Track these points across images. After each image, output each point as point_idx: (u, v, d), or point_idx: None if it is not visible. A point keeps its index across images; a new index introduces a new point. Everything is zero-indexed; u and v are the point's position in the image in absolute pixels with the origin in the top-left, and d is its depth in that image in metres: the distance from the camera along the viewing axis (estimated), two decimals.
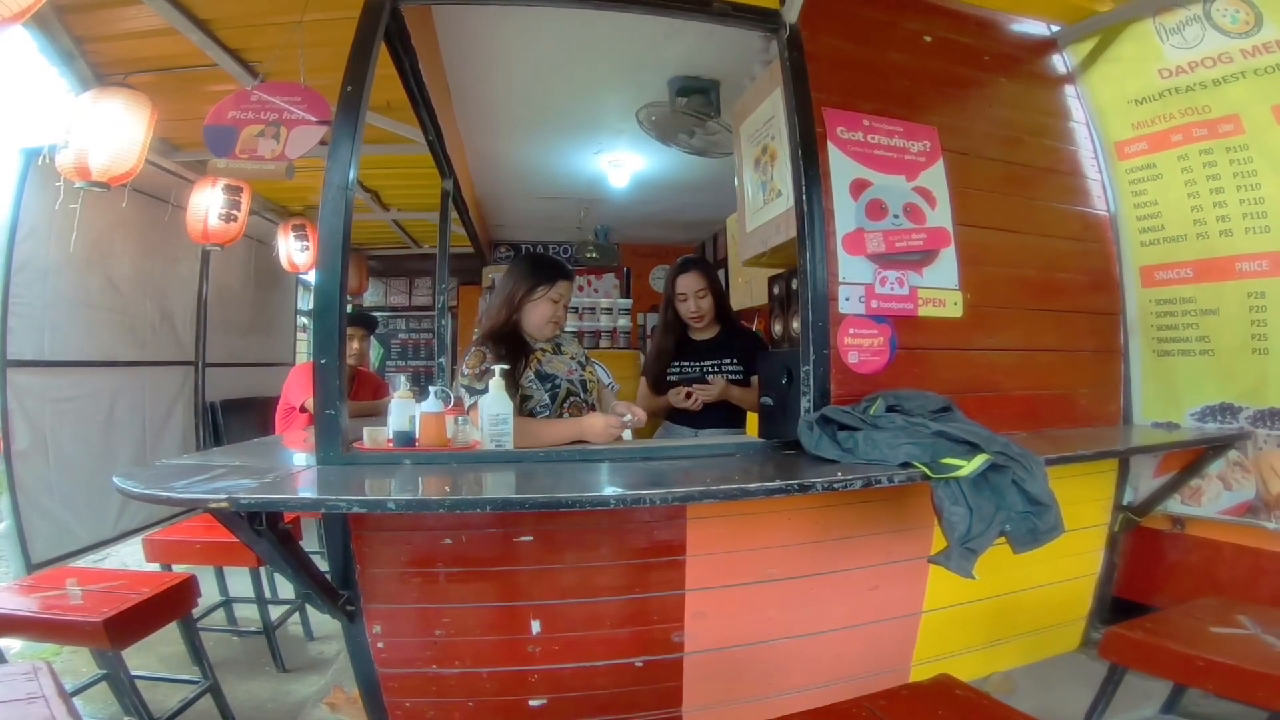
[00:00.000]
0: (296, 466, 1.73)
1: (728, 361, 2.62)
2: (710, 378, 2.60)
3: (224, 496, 1.24)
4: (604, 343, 4.93)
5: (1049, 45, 2.73)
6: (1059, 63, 2.75)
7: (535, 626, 1.90)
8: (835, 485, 1.58)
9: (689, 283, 2.64)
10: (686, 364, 2.68)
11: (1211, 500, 2.47)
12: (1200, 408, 2.51)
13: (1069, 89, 2.74)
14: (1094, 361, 2.65)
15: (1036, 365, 2.49)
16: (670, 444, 2.23)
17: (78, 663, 2.49)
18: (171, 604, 2.09)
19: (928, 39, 2.43)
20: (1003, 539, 1.69)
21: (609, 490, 1.41)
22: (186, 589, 2.15)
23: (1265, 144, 2.33)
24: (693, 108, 3.21)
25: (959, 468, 1.62)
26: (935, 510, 1.67)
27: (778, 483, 1.54)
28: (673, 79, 3.24)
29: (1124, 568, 2.66)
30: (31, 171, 3.21)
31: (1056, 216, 2.61)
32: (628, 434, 2.33)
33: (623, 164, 4.46)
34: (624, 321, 5.04)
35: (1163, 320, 2.63)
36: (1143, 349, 2.68)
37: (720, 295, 2.68)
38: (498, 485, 1.58)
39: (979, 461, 1.63)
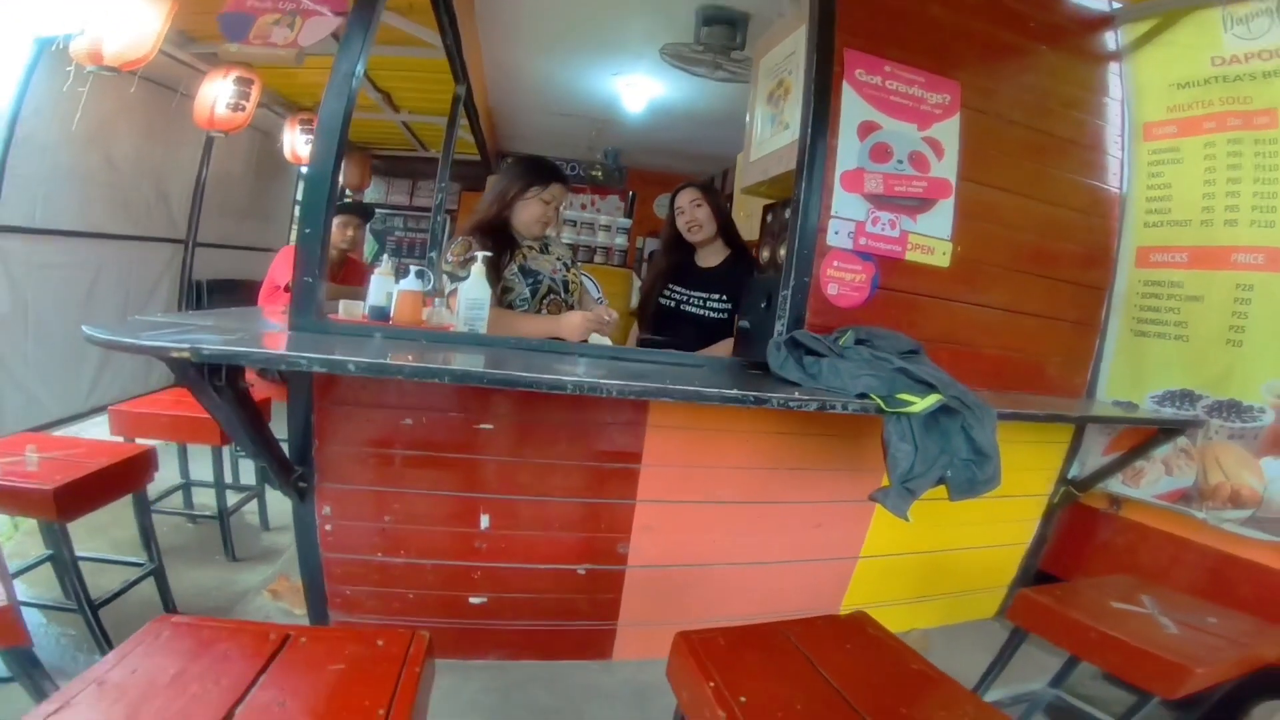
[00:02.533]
0: (267, 330, 1.74)
1: (716, 297, 2.57)
2: (686, 309, 2.59)
3: (186, 346, 1.25)
4: (599, 258, 4.92)
5: (1104, 21, 2.65)
6: (1109, 39, 2.67)
7: (484, 521, 1.93)
8: (790, 404, 1.60)
9: (685, 196, 2.61)
10: (678, 290, 2.65)
11: (1150, 483, 2.50)
12: (1162, 391, 2.53)
13: (1111, 66, 2.67)
14: (1071, 332, 2.66)
15: (1014, 327, 2.49)
16: (643, 350, 2.26)
17: (29, 546, 2.39)
18: (126, 476, 1.99)
19: None
20: (940, 488, 1.72)
21: (568, 376, 1.43)
22: (143, 460, 2.05)
23: None
24: (716, 39, 3.12)
25: (911, 404, 1.64)
26: (883, 445, 1.69)
27: (734, 391, 1.56)
28: (702, 7, 3.15)
29: (1053, 541, 2.72)
30: (43, 57, 3.15)
31: (1066, 186, 2.57)
32: (607, 341, 2.34)
33: (639, 88, 4.36)
34: (621, 240, 5.02)
35: (1147, 301, 2.63)
36: (1121, 327, 2.69)
37: (722, 213, 2.60)
38: (463, 363, 1.59)
39: (931, 400, 1.65)
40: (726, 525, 2.13)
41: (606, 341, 2.22)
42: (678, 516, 2.08)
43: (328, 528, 1.89)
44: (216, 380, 1.44)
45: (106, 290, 4.08)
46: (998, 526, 2.57)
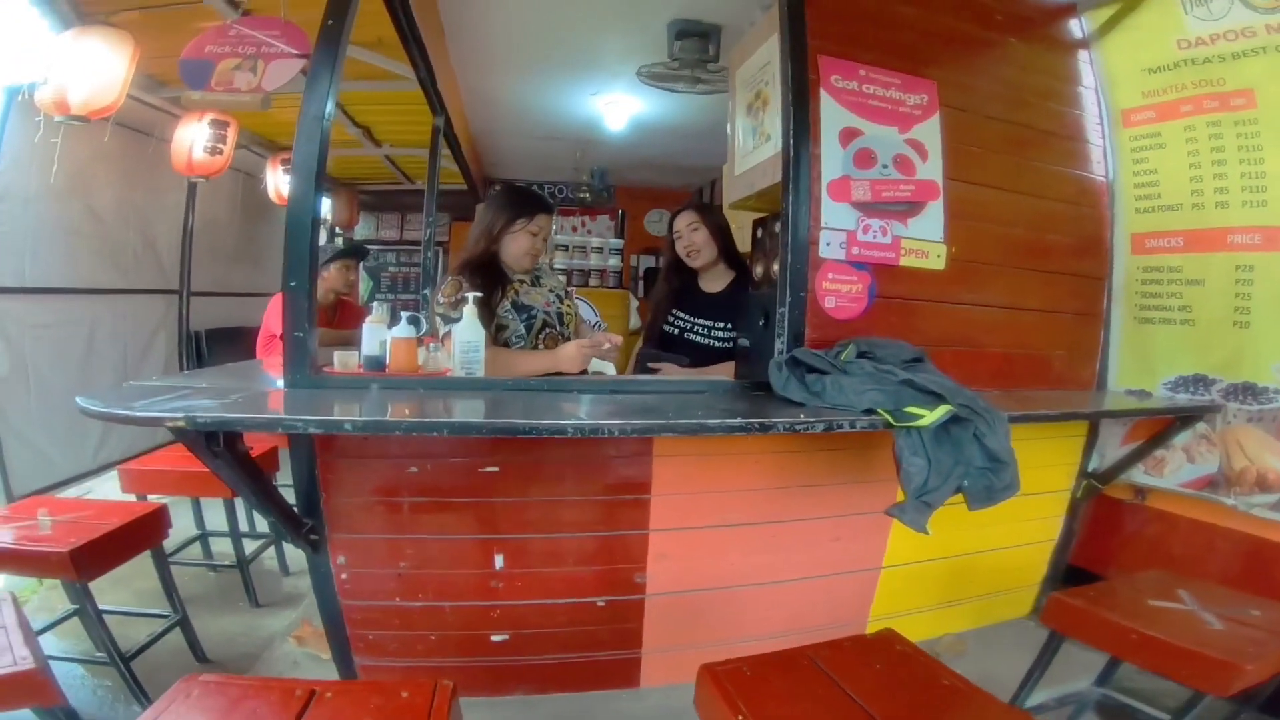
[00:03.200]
0: (262, 389, 1.72)
1: (721, 325, 2.53)
2: (689, 338, 2.56)
3: (181, 416, 1.23)
4: (593, 281, 4.91)
5: (1067, 10, 2.65)
6: (1075, 27, 2.67)
7: (499, 561, 1.92)
8: (796, 427, 1.58)
9: (682, 220, 2.59)
10: (681, 316, 2.62)
11: (1174, 472, 2.46)
12: (1174, 378, 2.51)
13: (1081, 54, 2.67)
14: (1074, 325, 2.64)
15: (1016, 324, 2.48)
16: (642, 380, 2.23)
17: (55, 600, 2.45)
18: (141, 534, 2.03)
19: None
20: (959, 496, 1.69)
21: (568, 419, 1.41)
22: (156, 519, 2.10)
23: (1275, 120, 2.28)
24: (690, 52, 3.12)
25: (920, 417, 1.62)
26: (895, 460, 1.67)
27: (739, 420, 1.54)
28: (673, 21, 3.15)
29: (1081, 536, 2.69)
30: (14, 107, 3.14)
31: (1053, 179, 2.57)
32: (611, 369, 2.31)
33: (620, 106, 4.36)
34: (614, 261, 5.01)
35: (1147, 288, 2.61)
36: (1124, 315, 2.67)
37: (722, 235, 2.58)
38: (463, 411, 1.59)
39: (941, 412, 1.62)
40: (743, 547, 2.10)
41: (610, 367, 2.21)
42: (693, 542, 2.05)
43: (344, 576, 1.88)
44: (215, 445, 1.42)
45: (104, 346, 4.07)
46: (1022, 525, 2.53)
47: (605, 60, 3.68)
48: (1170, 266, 2.55)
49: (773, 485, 2.09)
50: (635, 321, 5.20)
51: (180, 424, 1.27)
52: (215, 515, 2.86)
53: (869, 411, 1.67)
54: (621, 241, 5.24)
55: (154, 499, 2.57)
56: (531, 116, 4.80)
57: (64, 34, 2.74)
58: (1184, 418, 2.34)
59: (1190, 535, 2.40)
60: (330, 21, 1.81)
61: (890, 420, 1.65)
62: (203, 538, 2.97)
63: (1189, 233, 2.50)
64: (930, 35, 2.33)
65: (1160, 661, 1.55)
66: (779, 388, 1.82)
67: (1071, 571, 2.66)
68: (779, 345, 2.00)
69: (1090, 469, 2.62)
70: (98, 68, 2.73)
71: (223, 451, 1.42)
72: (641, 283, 6.89)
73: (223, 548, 2.93)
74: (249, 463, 1.54)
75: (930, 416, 1.62)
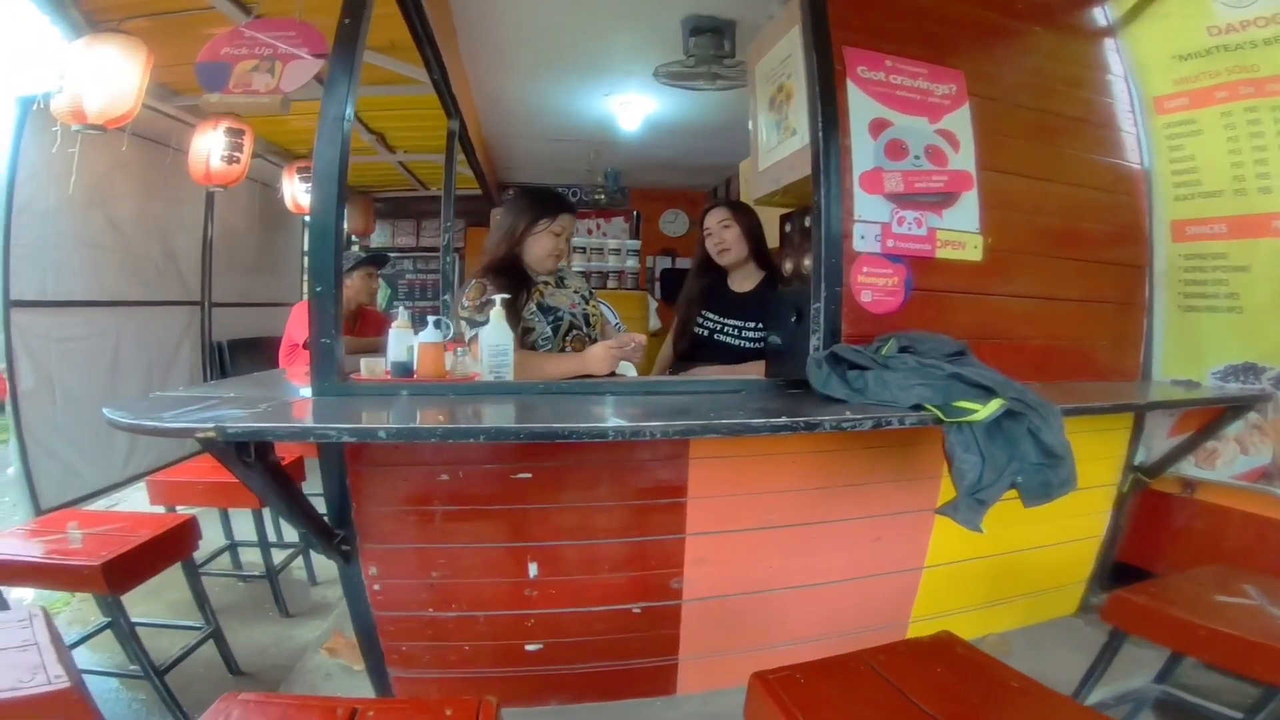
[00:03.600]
0: (292, 398, 1.70)
1: (751, 326, 2.47)
2: (719, 339, 2.51)
3: (211, 426, 1.20)
4: (611, 283, 4.87)
5: None
6: (1099, 15, 2.61)
7: (533, 569, 1.88)
8: (844, 425, 1.53)
9: (713, 216, 2.54)
10: (711, 317, 2.56)
11: (1226, 464, 2.39)
12: (1223, 366, 2.43)
13: (1108, 42, 2.61)
14: (1115, 314, 2.57)
15: (1055, 314, 2.41)
16: (674, 380, 2.18)
17: (87, 611, 2.48)
18: (172, 546, 2.02)
19: None
20: (1012, 492, 1.63)
21: (608, 422, 1.37)
22: (187, 531, 2.08)
23: None
24: (705, 48, 3.07)
25: (973, 411, 1.56)
26: (946, 456, 1.61)
27: (783, 419, 1.49)
28: (687, 18, 3.11)
29: (1128, 531, 2.61)
30: (29, 118, 3.16)
31: (1086, 167, 2.50)
32: (632, 370, 2.27)
33: (634, 106, 4.32)
34: (632, 263, 4.96)
35: (1190, 275, 2.54)
36: (1167, 304, 2.59)
37: (753, 234, 2.52)
38: (495, 416, 1.55)
39: (995, 406, 1.56)
40: (782, 549, 2.06)
41: (631, 368, 2.16)
42: (731, 546, 2.01)
43: (376, 587, 1.85)
44: (246, 456, 1.39)
45: (129, 358, 4.09)
46: (1068, 521, 2.45)
47: (618, 60, 3.65)
48: (1215, 253, 2.48)
49: (812, 486, 2.04)
50: (655, 323, 5.16)
51: (211, 434, 1.24)
52: (243, 525, 2.86)
53: (916, 407, 1.61)
54: (638, 243, 5.19)
55: (182, 510, 2.59)
56: (545, 118, 4.77)
57: (76, 42, 2.72)
58: (1235, 407, 2.27)
59: (1243, 529, 2.33)
60: (347, 20, 1.78)
61: (940, 415, 1.59)
62: (231, 548, 2.97)
63: (1232, 219, 2.43)
64: (953, 24, 2.28)
65: (1231, 657, 1.52)
66: (819, 385, 1.76)
67: (1118, 568, 2.60)
68: (814, 342, 1.94)
69: (1137, 462, 2.56)
70: (112, 75, 2.71)
71: (254, 462, 1.39)
72: (658, 284, 6.84)
73: (251, 557, 2.94)
74: (280, 473, 1.52)
75: (984, 411, 1.55)
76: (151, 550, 1.93)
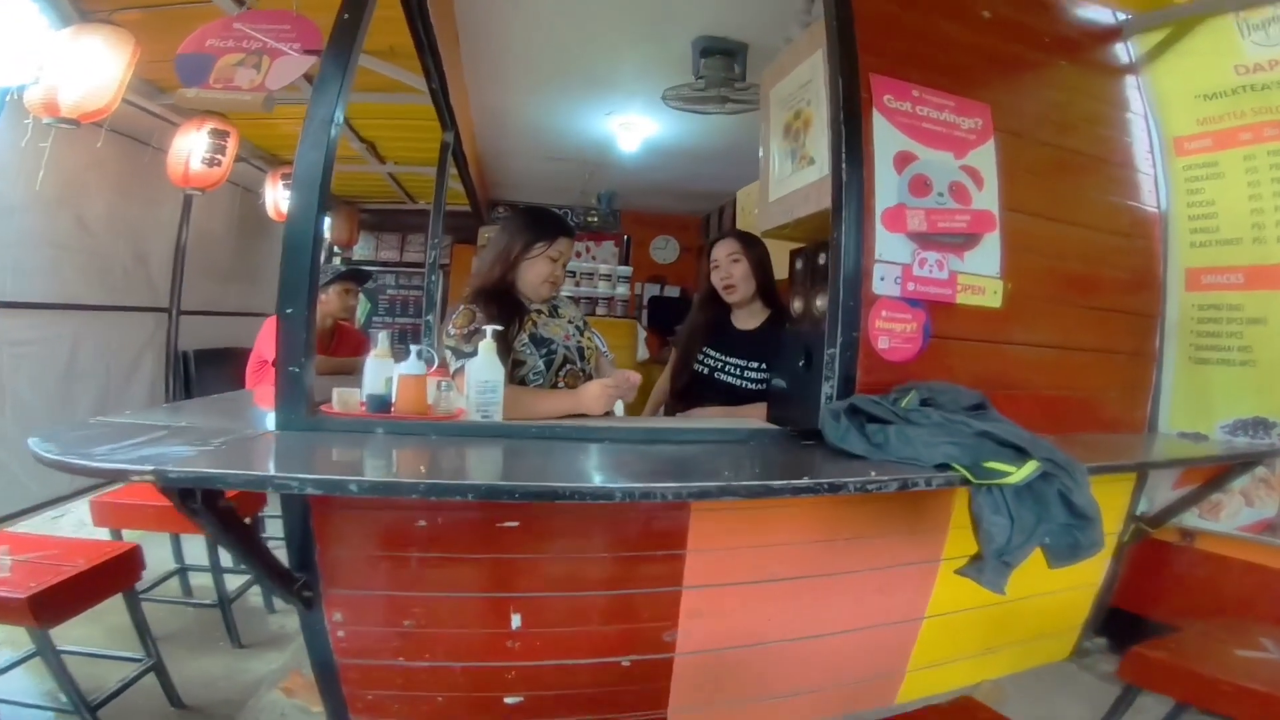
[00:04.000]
0: (250, 431, 1.52)
1: (755, 366, 2.33)
2: (720, 378, 2.38)
3: (150, 468, 1.03)
4: (600, 310, 4.73)
5: (1113, 33, 2.53)
6: (1121, 51, 2.55)
7: (515, 620, 1.73)
8: (869, 487, 1.40)
9: (722, 248, 2.40)
10: (712, 354, 2.43)
11: (1231, 516, 2.35)
12: (1232, 420, 2.37)
13: (1129, 79, 2.55)
14: (1127, 365, 2.49)
15: (1070, 365, 2.32)
16: (677, 425, 2.04)
17: (18, 634, 2.27)
18: (110, 578, 1.88)
19: (986, 14, 2.22)
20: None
21: (615, 482, 1.21)
22: (128, 562, 1.93)
23: None
24: (715, 70, 2.99)
25: (1007, 474, 1.46)
26: (972, 517, 1.51)
27: (805, 480, 1.36)
28: (698, 39, 3.04)
29: (1124, 577, 2.55)
30: (4, 109, 2.96)
31: (1105, 209, 2.42)
32: (619, 407, 2.13)
33: (635, 127, 4.24)
34: (623, 289, 4.83)
35: (1204, 326, 2.47)
36: (1178, 355, 2.52)
37: (762, 270, 2.39)
38: (483, 464, 1.39)
39: (1030, 469, 1.46)
40: (782, 602, 1.94)
41: (618, 404, 2.02)
42: (729, 599, 1.88)
43: (340, 634, 1.69)
44: (191, 503, 1.21)
45: (86, 365, 3.86)
46: (1067, 570, 2.33)
47: (623, 79, 3.56)
48: (1230, 304, 2.42)
49: (818, 539, 1.92)
50: (643, 352, 5.03)
51: (148, 479, 1.07)
52: (195, 547, 2.68)
53: (942, 467, 1.50)
54: (630, 269, 5.07)
55: (129, 534, 2.40)
56: (542, 136, 4.67)
57: (62, 32, 2.60)
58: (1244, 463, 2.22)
59: (1244, 578, 2.30)
60: (346, 16, 1.65)
61: (969, 477, 1.48)
62: (181, 572, 2.77)
63: (1250, 269, 2.36)
64: (979, 55, 2.20)
65: (1256, 712, 1.47)
66: (836, 439, 1.63)
67: (1112, 613, 2.54)
68: (827, 390, 1.82)
69: (1139, 512, 2.48)
70: (93, 68, 2.58)
71: (200, 509, 1.21)
72: (646, 312, 6.70)
73: (203, 581, 2.72)
74: (232, 519, 1.34)
75: (1018, 474, 1.46)
76: (87, 581, 1.79)
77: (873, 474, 1.43)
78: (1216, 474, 2.27)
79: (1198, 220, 2.49)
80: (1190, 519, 2.42)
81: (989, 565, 1.49)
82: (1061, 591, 2.39)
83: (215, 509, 1.25)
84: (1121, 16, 2.53)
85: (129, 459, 1.09)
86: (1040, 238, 2.23)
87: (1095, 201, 2.41)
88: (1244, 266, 2.37)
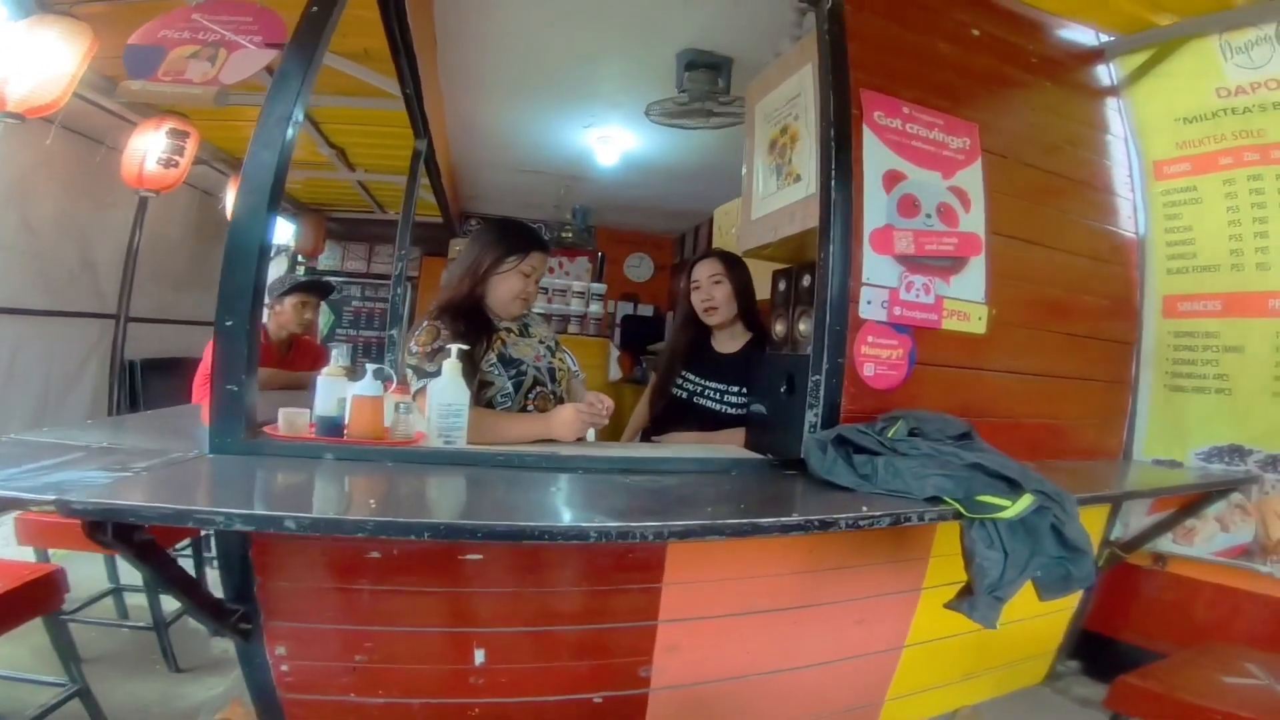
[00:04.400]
0: (180, 454, 1.37)
1: (735, 390, 2.25)
2: (699, 402, 2.29)
3: (50, 496, 0.90)
4: (573, 328, 4.62)
5: (1095, 55, 2.53)
6: (1103, 73, 2.56)
7: (479, 656, 1.60)
8: (861, 523, 1.32)
9: (704, 268, 2.31)
10: (692, 378, 2.34)
11: (1205, 541, 2.35)
12: (1208, 447, 2.37)
13: (1110, 101, 2.55)
14: (1104, 392, 2.48)
15: (1050, 392, 2.29)
16: (654, 454, 1.94)
17: None
18: (30, 601, 1.73)
19: (976, 33, 2.21)
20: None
21: (589, 519, 1.11)
22: (50, 585, 1.78)
23: None
24: (700, 83, 2.93)
25: (1001, 508, 1.40)
26: (965, 552, 1.46)
27: (795, 518, 1.27)
28: (682, 52, 2.98)
29: (1096, 600, 2.54)
30: None
31: (1086, 234, 2.41)
32: (590, 433, 2.04)
33: (613, 140, 4.15)
34: (596, 307, 4.73)
35: (1180, 355, 2.47)
36: (1154, 383, 2.51)
37: (744, 293, 2.31)
38: (444, 497, 1.28)
39: (1025, 503, 1.41)
40: (762, 634, 1.85)
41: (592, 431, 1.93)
42: (707, 632, 1.78)
43: (284, 668, 1.55)
44: (100, 535, 1.07)
45: (25, 373, 3.64)
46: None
47: (604, 90, 3.48)
48: (1206, 332, 2.41)
49: (798, 570, 1.83)
50: (615, 372, 4.93)
51: (49, 509, 0.93)
52: (130, 566, 2.48)
53: (933, 500, 1.44)
54: (604, 287, 4.98)
55: (56, 554, 2.24)
56: (518, 147, 4.57)
57: (19, 23, 2.47)
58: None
59: (1216, 601, 2.31)
60: (315, 8, 1.55)
61: (961, 510, 1.42)
62: (116, 592, 2.60)
63: (1228, 296, 2.36)
64: (968, 74, 2.18)
65: None
66: (822, 470, 1.55)
67: (1085, 636, 2.53)
68: (811, 418, 1.74)
69: (1113, 538, 2.46)
70: (45, 61, 2.45)
71: (112, 542, 1.07)
72: (618, 330, 6.60)
73: (139, 601, 2.54)
74: (153, 551, 1.19)
75: (1014, 508, 1.40)
76: (3, 606, 1.64)
77: (864, 509, 1.35)
78: (1192, 500, 2.27)
79: (1175, 246, 2.49)
80: (1164, 544, 2.41)
81: (981, 600, 1.44)
82: (1037, 617, 2.34)
83: (130, 541, 1.10)
84: (1105, 38, 2.54)
85: (30, 485, 0.96)
86: (1025, 262, 2.21)
87: (1076, 226, 2.39)
88: (1221, 294, 2.37)
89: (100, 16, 2.62)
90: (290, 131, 1.51)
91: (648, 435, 2.45)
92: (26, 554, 2.27)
